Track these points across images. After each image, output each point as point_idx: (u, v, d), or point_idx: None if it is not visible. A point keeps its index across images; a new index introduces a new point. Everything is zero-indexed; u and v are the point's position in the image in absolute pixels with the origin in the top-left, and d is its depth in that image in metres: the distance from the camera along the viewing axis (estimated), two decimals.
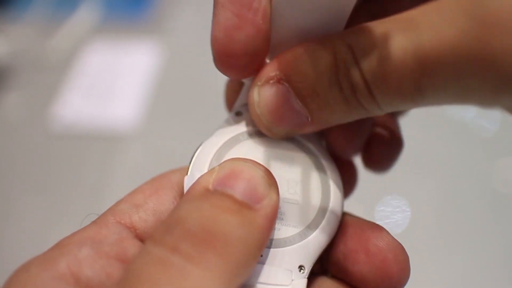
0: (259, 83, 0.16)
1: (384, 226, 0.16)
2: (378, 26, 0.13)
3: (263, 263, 0.15)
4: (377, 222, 0.16)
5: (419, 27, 0.13)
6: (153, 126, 0.53)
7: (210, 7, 0.16)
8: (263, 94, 0.16)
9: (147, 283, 0.11)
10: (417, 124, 0.51)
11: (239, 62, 0.16)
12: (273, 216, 0.14)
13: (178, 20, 0.65)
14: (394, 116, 0.22)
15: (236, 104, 0.19)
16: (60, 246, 0.14)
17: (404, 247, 0.16)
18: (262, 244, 0.13)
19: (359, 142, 0.20)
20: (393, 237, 0.16)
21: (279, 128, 0.16)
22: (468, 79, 0.12)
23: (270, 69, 0.16)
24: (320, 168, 0.17)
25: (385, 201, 0.45)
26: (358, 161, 0.22)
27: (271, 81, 0.16)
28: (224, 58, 0.16)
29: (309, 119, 0.16)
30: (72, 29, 0.63)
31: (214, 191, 0.14)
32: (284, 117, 0.16)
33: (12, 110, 0.56)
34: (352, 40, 0.14)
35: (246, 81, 0.18)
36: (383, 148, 0.21)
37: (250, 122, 0.18)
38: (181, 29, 0.64)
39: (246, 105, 0.18)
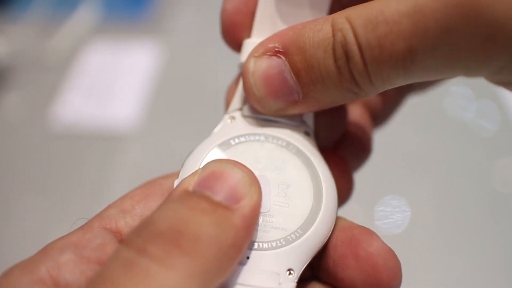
0: (256, 54, 0.17)
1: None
2: (374, 1, 0.14)
3: (248, 264, 0.15)
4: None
5: None
6: (153, 126, 0.53)
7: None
8: (258, 64, 0.16)
9: (111, 285, 0.11)
10: (417, 124, 0.51)
11: (242, 33, 0.18)
12: (252, 215, 0.14)
13: (178, 20, 0.65)
14: (371, 125, 0.23)
15: (230, 109, 0.18)
16: (43, 251, 0.14)
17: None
18: (239, 244, 0.13)
19: (332, 135, 0.21)
20: (383, 242, 0.15)
21: (270, 102, 0.17)
22: (458, 34, 0.13)
23: (269, 41, 0.16)
24: (313, 172, 0.17)
25: (384, 201, 0.45)
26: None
27: (269, 53, 0.16)
28: (230, 28, 0.18)
29: (300, 96, 0.16)
30: (72, 29, 0.63)
31: (193, 192, 0.14)
32: (277, 90, 0.16)
33: (12, 110, 0.56)
34: (350, 13, 0.15)
35: (240, 84, 0.18)
36: (350, 153, 0.21)
37: (243, 127, 0.18)
38: (181, 29, 0.64)
39: (240, 109, 0.18)
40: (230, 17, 0.18)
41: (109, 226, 0.15)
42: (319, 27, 0.15)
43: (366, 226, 0.16)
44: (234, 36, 0.19)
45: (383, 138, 0.23)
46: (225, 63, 0.55)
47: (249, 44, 0.18)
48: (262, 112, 0.17)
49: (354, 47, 0.14)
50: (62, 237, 0.15)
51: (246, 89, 0.17)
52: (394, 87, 0.15)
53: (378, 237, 0.15)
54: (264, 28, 0.18)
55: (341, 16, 0.15)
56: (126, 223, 0.15)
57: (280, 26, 0.18)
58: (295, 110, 0.17)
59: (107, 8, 0.66)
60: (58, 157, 0.51)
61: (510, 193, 0.45)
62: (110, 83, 0.58)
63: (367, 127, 0.22)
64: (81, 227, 0.15)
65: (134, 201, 0.16)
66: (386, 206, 0.44)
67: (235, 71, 0.20)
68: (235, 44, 0.19)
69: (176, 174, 0.17)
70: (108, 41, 0.62)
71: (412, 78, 0.15)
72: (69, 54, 0.61)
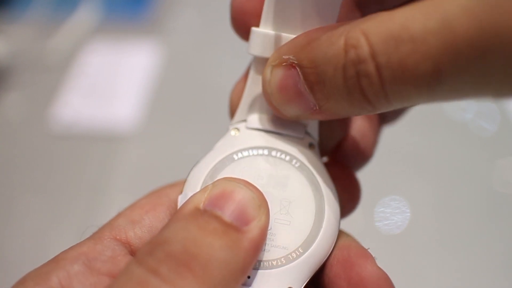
0: (273, 63, 0.16)
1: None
2: (395, 11, 0.13)
3: (250, 285, 0.15)
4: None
5: (443, 4, 0.12)
6: (153, 126, 0.53)
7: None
8: (274, 74, 0.16)
9: None
10: (417, 124, 0.51)
11: (252, 20, 0.18)
12: (261, 238, 0.14)
13: (178, 20, 0.65)
14: (378, 124, 0.22)
15: (234, 120, 0.18)
16: (55, 261, 0.14)
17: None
18: (246, 267, 0.13)
19: (332, 140, 0.20)
20: (378, 268, 0.15)
21: (287, 109, 0.17)
22: (492, 56, 0.12)
23: (286, 51, 0.16)
24: (316, 188, 0.17)
25: (384, 202, 0.45)
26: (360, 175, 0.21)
27: (284, 64, 0.16)
28: (239, 16, 0.18)
29: (317, 107, 0.16)
30: (72, 29, 0.63)
31: (204, 211, 0.14)
32: (292, 100, 0.16)
33: (12, 110, 0.56)
34: (368, 26, 0.13)
35: (245, 94, 0.18)
36: (350, 156, 0.21)
37: (247, 140, 0.18)
38: (181, 29, 0.64)
39: (244, 121, 0.18)
40: (240, 3, 0.18)
41: (119, 237, 0.15)
42: (332, 41, 0.14)
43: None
44: (243, 23, 0.18)
45: (382, 139, 0.23)
46: (225, 63, 0.55)
47: (257, 34, 0.17)
48: (285, 118, 0.17)
49: (370, 66, 0.13)
50: (73, 247, 0.15)
51: (264, 96, 0.17)
52: (413, 105, 0.14)
53: (373, 261, 0.15)
54: (273, 17, 0.17)
55: (356, 30, 0.13)
56: (135, 234, 0.16)
57: (289, 16, 0.17)
58: (313, 118, 0.17)
59: (107, 8, 0.66)
60: (58, 157, 0.51)
61: (510, 193, 0.45)
62: (110, 84, 0.58)
63: (371, 128, 0.21)
64: (92, 237, 0.15)
65: (143, 211, 0.16)
66: (386, 207, 0.44)
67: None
68: (244, 31, 0.18)
69: (181, 184, 0.17)
70: (108, 41, 0.62)
71: (436, 98, 0.13)
72: (69, 54, 0.61)
